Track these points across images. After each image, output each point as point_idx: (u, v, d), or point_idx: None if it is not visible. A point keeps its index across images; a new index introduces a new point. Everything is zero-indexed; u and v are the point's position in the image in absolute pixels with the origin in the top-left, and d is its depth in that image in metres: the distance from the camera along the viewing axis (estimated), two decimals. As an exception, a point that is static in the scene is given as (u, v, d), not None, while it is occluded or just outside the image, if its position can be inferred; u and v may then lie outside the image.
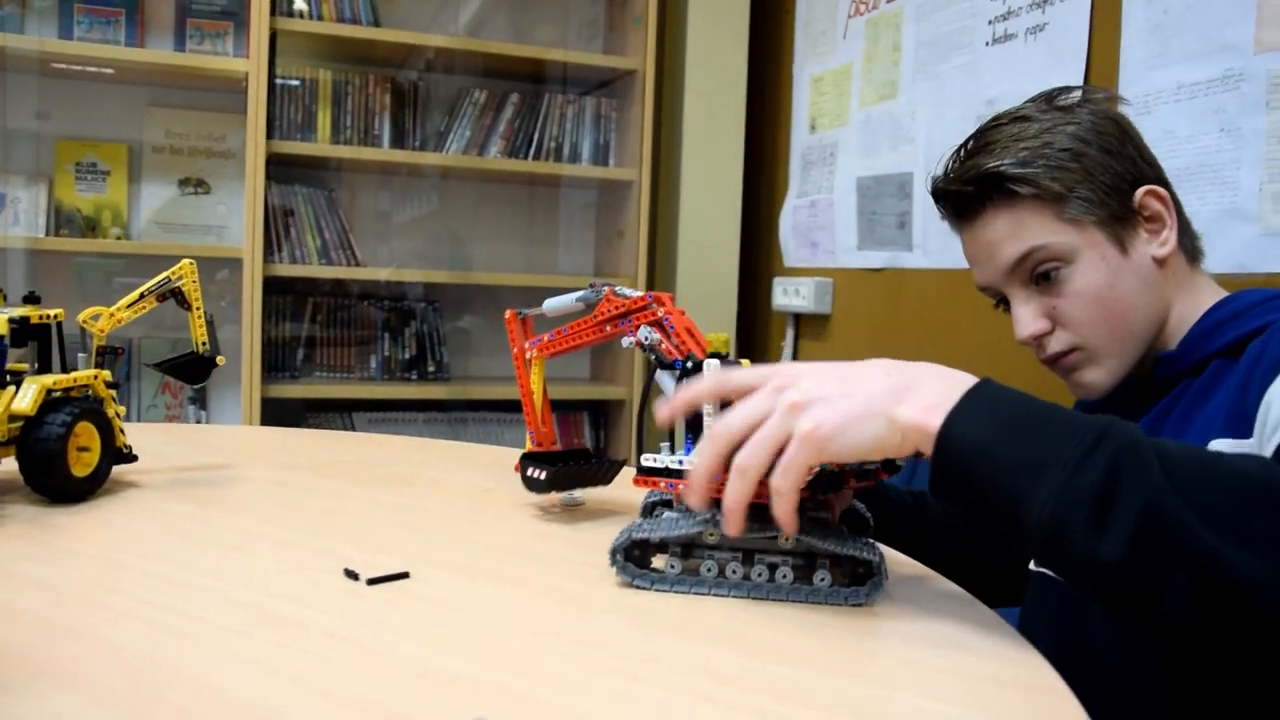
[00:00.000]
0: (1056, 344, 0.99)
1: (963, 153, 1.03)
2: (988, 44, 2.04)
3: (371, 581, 0.72)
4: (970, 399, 0.65)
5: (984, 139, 1.02)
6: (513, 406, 2.81)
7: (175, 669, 0.55)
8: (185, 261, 1.04)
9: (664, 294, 0.85)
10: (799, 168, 2.73)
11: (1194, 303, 0.99)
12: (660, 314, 0.83)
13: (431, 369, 2.73)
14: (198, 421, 2.56)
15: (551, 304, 0.94)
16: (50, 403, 0.90)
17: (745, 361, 0.77)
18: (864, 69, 2.45)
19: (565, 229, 3.00)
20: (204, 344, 1.05)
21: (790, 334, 2.77)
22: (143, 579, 0.71)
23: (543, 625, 0.65)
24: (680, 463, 0.76)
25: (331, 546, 0.81)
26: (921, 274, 2.27)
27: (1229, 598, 0.59)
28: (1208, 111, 1.59)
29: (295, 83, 2.52)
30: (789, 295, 2.72)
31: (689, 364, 0.78)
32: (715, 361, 0.76)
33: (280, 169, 2.48)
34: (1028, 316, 0.99)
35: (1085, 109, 1.00)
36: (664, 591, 0.73)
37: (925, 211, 2.23)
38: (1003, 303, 1.04)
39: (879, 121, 2.38)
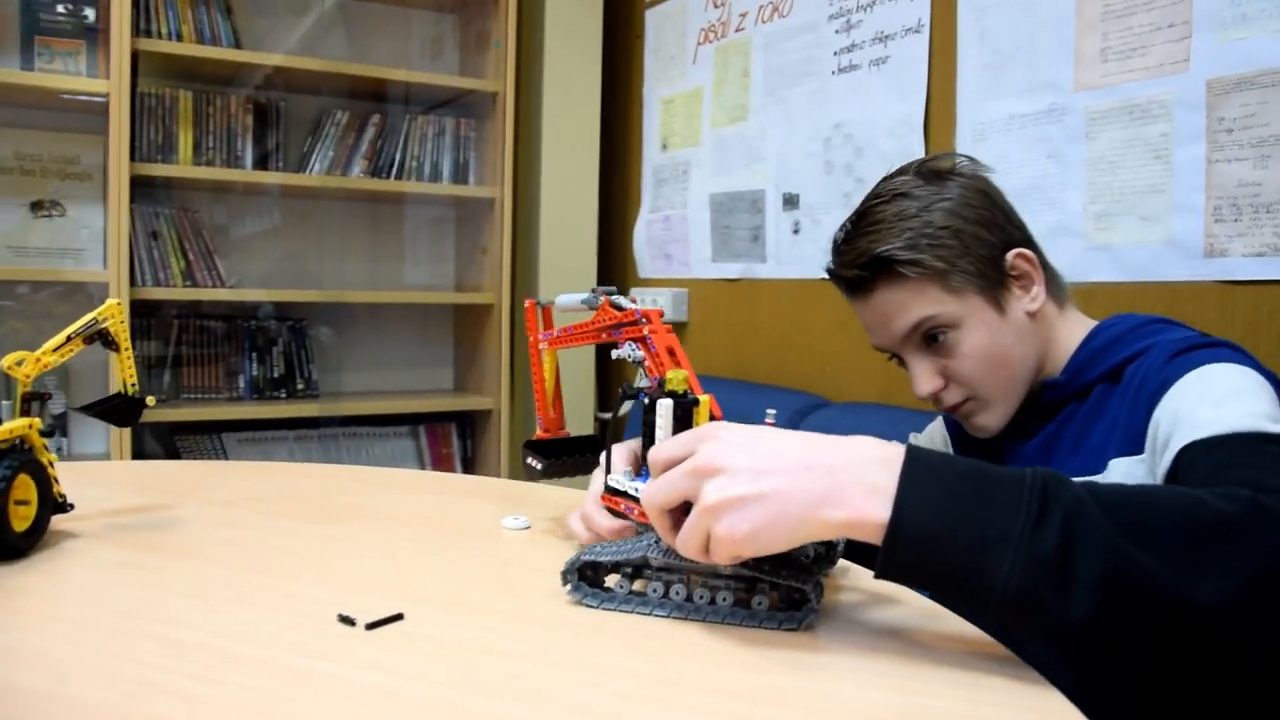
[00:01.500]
0: (952, 397, 1.04)
1: (850, 228, 1.06)
2: (834, 73, 2.12)
3: (370, 626, 0.69)
4: (909, 480, 0.64)
5: (868, 219, 1.04)
6: (382, 420, 2.73)
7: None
8: (112, 302, 0.97)
9: (653, 310, 0.85)
10: (651, 184, 2.76)
11: (1068, 336, 1.05)
12: (645, 331, 0.83)
13: (301, 386, 2.63)
14: (58, 450, 2.37)
15: (561, 300, 0.97)
16: (-12, 455, 0.82)
17: (706, 397, 0.77)
18: (714, 92, 2.50)
19: (428, 246, 2.94)
20: (133, 385, 0.98)
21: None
22: (133, 639, 0.66)
23: (540, 653, 0.66)
24: (636, 490, 0.77)
25: (305, 589, 0.78)
26: (774, 284, 2.34)
27: (1193, 629, 0.60)
28: (1036, 140, 1.70)
29: (154, 101, 2.36)
30: (645, 305, 2.74)
31: (646, 400, 0.78)
32: (669, 402, 0.76)
33: (142, 190, 2.32)
34: (924, 377, 1.04)
35: (956, 181, 1.05)
36: (610, 610, 0.74)
37: (777, 226, 2.30)
38: (896, 358, 1.08)
39: (730, 142, 2.44)
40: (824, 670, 0.65)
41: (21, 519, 0.84)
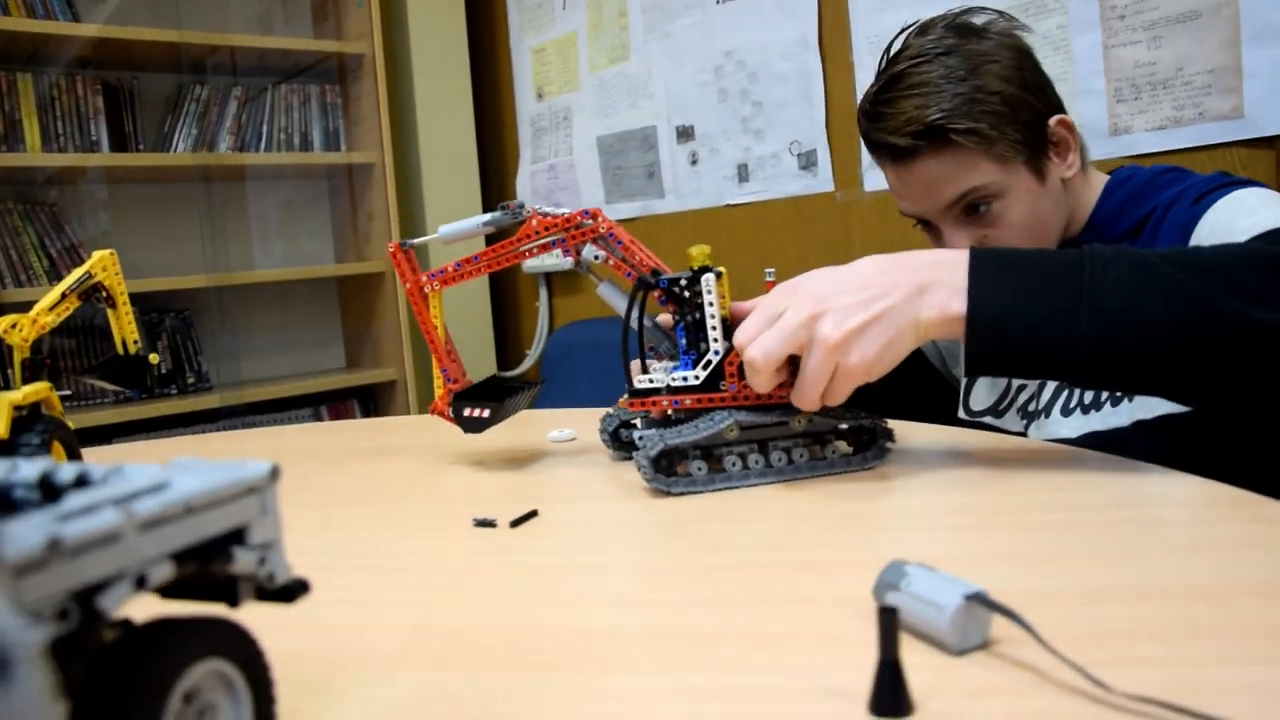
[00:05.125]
0: None
1: (887, 90, 1.00)
2: (718, 2, 2.12)
3: (514, 524, 0.66)
4: (977, 272, 0.67)
5: (910, 80, 0.98)
6: (281, 405, 2.59)
7: (448, 624, 0.49)
8: (104, 253, 0.87)
9: (595, 208, 0.79)
10: (529, 135, 2.70)
11: (1090, 196, 1.05)
12: (602, 229, 0.77)
13: (191, 380, 2.45)
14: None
15: (448, 230, 0.84)
16: (17, 422, 0.73)
17: (723, 269, 0.75)
18: (590, 36, 2.46)
19: (302, 220, 2.79)
20: (136, 342, 0.89)
21: (544, 292, 2.76)
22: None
23: (671, 523, 0.65)
24: (682, 379, 0.74)
25: (410, 509, 0.75)
26: (676, 217, 2.34)
27: (1265, 350, 0.63)
28: (935, 42, 1.75)
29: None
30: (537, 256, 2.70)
31: (682, 280, 0.75)
32: (712, 275, 0.74)
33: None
34: (963, 246, 1.00)
35: (995, 40, 1.00)
36: (694, 493, 0.72)
37: (673, 159, 2.29)
38: (924, 223, 1.06)
39: (613, 83, 2.41)
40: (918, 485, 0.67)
41: (58, 491, 0.75)
